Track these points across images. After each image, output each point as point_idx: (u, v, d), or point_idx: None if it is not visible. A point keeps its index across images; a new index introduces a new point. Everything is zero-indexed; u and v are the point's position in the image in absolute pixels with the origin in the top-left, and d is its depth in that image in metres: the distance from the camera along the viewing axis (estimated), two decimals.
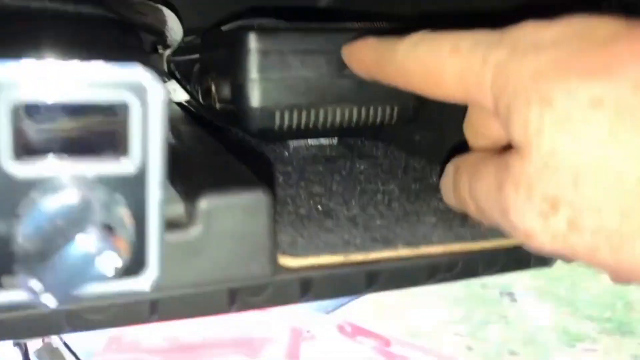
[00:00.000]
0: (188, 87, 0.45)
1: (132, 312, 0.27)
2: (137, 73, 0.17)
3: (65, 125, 0.17)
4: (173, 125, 0.32)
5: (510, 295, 2.58)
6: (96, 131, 0.17)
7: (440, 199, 0.34)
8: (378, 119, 0.39)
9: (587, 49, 0.23)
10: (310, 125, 0.38)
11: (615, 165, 0.22)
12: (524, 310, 2.41)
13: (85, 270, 0.16)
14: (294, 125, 0.38)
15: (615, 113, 0.21)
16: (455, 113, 0.35)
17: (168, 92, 0.17)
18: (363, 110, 0.39)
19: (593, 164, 0.22)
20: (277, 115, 0.37)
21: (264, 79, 0.36)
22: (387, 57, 0.30)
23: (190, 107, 0.45)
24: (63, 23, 0.21)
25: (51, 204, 0.16)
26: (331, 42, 0.37)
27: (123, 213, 0.17)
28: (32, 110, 0.16)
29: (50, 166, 0.17)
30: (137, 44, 0.23)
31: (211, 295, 0.27)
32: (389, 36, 0.31)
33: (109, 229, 0.16)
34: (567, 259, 0.25)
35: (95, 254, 0.16)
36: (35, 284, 0.15)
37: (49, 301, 0.16)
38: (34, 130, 0.16)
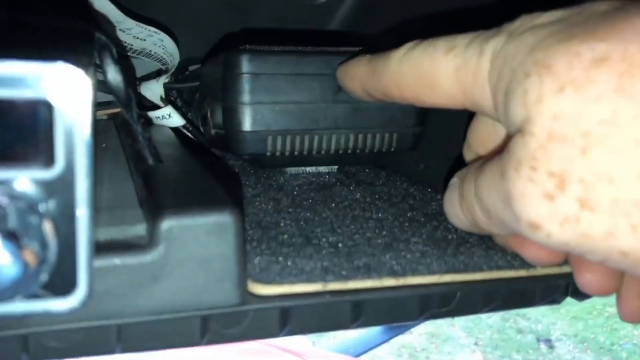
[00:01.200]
0: (189, 115, 0.45)
1: (95, 339, 0.25)
2: (62, 69, 0.16)
3: None
4: (154, 147, 0.30)
5: (548, 341, 2.49)
6: (16, 133, 0.16)
7: (436, 227, 0.32)
8: (376, 146, 0.38)
9: (588, 20, 0.21)
10: (305, 152, 0.37)
11: (628, 124, 0.19)
12: (563, 358, 2.31)
13: None
14: (287, 151, 0.36)
15: (623, 68, 0.19)
16: (460, 140, 0.34)
17: (94, 93, 0.16)
18: (360, 137, 0.37)
19: (602, 126, 0.20)
20: (269, 140, 0.36)
21: (255, 103, 0.35)
22: (380, 67, 0.29)
23: (189, 134, 0.44)
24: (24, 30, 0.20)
25: None
26: (325, 66, 0.35)
27: (44, 225, 0.16)
28: None
29: None
30: (86, 50, 0.22)
31: (180, 324, 0.26)
32: (384, 51, 0.30)
33: (14, 238, 0.14)
34: (580, 252, 0.22)
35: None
36: None
37: None
38: None
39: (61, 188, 0.16)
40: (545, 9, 0.24)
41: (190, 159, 0.32)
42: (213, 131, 0.39)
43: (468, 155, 0.32)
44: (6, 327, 0.22)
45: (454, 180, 0.29)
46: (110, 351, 0.26)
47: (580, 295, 0.33)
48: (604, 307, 2.48)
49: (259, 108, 0.35)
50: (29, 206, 0.16)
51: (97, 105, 0.43)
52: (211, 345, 0.27)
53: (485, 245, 0.30)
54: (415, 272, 0.27)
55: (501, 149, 0.29)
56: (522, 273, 0.28)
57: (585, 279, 0.27)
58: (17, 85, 0.15)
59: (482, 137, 0.30)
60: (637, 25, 0.20)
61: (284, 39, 0.37)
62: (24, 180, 0.16)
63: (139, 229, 0.24)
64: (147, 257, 0.23)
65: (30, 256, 0.15)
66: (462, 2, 0.38)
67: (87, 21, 0.30)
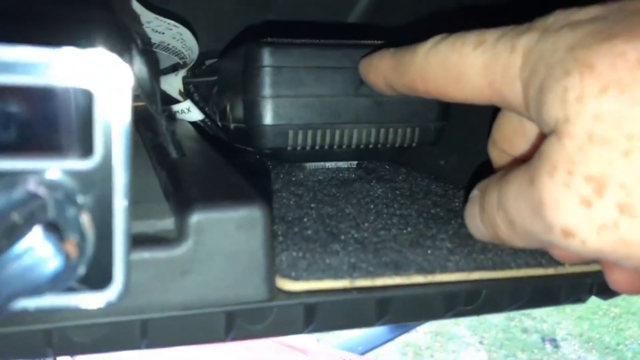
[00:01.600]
0: (207, 109, 0.44)
1: (120, 334, 0.25)
2: (101, 56, 0.15)
3: (20, 113, 0.15)
4: (178, 141, 0.30)
5: (553, 341, 2.48)
6: (54, 122, 0.15)
7: (462, 224, 0.31)
8: (398, 141, 0.37)
9: (629, 19, 0.20)
10: (326, 146, 0.36)
11: None
12: (568, 358, 2.31)
13: (28, 275, 0.14)
14: (308, 146, 0.36)
15: None
16: (481, 135, 0.33)
17: (134, 80, 0.16)
18: (381, 131, 0.37)
19: None
20: (290, 134, 0.35)
21: (276, 96, 0.34)
22: (406, 60, 0.29)
23: (207, 129, 0.43)
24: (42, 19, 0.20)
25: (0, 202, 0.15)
26: (347, 59, 0.35)
27: (82, 216, 0.16)
28: None
29: (3, 160, 0.15)
30: (124, 39, 0.22)
31: (205, 320, 0.25)
32: (409, 45, 0.29)
33: (56, 229, 0.14)
34: (615, 259, 0.21)
35: (39, 256, 0.14)
36: None
37: None
38: None
39: (99, 179, 0.16)
40: (568, 5, 0.23)
41: (213, 152, 0.32)
42: (232, 125, 0.38)
43: (493, 152, 0.31)
44: (32, 321, 0.22)
45: (474, 192, 0.28)
46: (135, 347, 0.25)
47: (606, 294, 0.32)
48: (609, 307, 2.47)
49: (281, 101, 0.34)
50: (67, 197, 0.15)
51: None
52: (235, 342, 0.27)
53: None
54: (443, 270, 0.26)
55: (528, 155, 0.28)
56: (550, 271, 0.28)
57: (616, 278, 0.26)
58: (56, 73, 0.15)
59: (508, 134, 0.30)
60: None
61: (306, 31, 0.36)
62: (62, 170, 0.15)
63: (167, 223, 0.24)
64: (176, 251, 0.22)
65: (71, 248, 0.14)
66: None
67: (109, 13, 0.30)
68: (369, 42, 0.36)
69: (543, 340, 2.41)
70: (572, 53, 0.21)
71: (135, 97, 0.44)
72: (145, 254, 0.22)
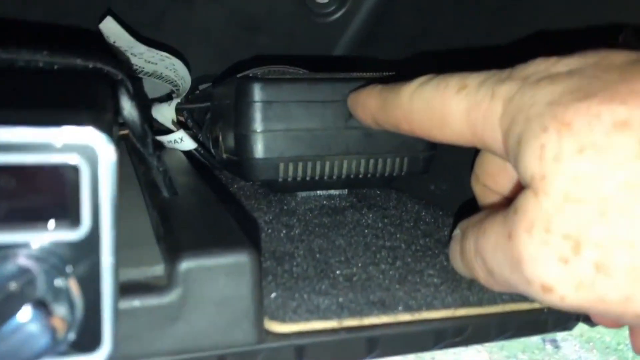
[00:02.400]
0: (200, 135, 0.45)
1: None
2: (87, 134, 0.16)
3: (9, 189, 0.16)
4: (170, 178, 0.31)
5: (553, 341, 2.49)
6: (43, 196, 0.16)
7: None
8: (387, 171, 0.38)
9: (606, 76, 0.21)
10: (316, 177, 0.37)
11: None
12: (569, 358, 2.31)
13: (17, 353, 0.14)
14: (299, 177, 0.36)
15: None
16: (470, 162, 0.34)
17: (118, 154, 0.16)
18: (371, 162, 0.37)
19: (622, 191, 0.19)
20: (281, 166, 0.36)
21: (267, 131, 0.35)
22: (391, 100, 0.29)
23: (200, 156, 0.44)
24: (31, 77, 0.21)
25: None
26: (337, 92, 0.36)
27: (71, 286, 0.16)
28: None
29: None
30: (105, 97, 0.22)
31: None
32: (395, 83, 0.30)
33: (44, 307, 0.15)
34: (594, 314, 0.21)
35: (28, 334, 0.14)
36: None
37: None
38: None
39: (87, 248, 0.16)
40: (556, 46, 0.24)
41: (205, 188, 0.32)
42: (225, 155, 0.39)
43: (476, 187, 0.32)
44: None
45: (456, 232, 0.28)
46: None
47: (592, 321, 0.33)
48: None
49: (271, 135, 0.35)
50: (55, 268, 0.16)
51: None
52: None
53: None
54: (430, 307, 0.27)
55: (510, 196, 0.28)
56: (536, 305, 0.29)
57: (599, 320, 0.27)
58: (43, 151, 0.16)
59: (490, 171, 0.30)
60: None
61: (296, 63, 0.37)
62: (51, 242, 0.16)
63: (157, 270, 0.24)
64: (166, 299, 0.23)
65: (59, 323, 0.15)
66: (474, 36, 0.38)
67: (99, 50, 0.30)
68: (357, 75, 0.36)
69: (544, 341, 2.41)
70: (551, 109, 0.21)
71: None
72: (136, 302, 0.23)
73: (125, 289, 0.23)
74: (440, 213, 0.38)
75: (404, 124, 0.29)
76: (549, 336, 2.47)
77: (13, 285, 0.15)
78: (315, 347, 0.27)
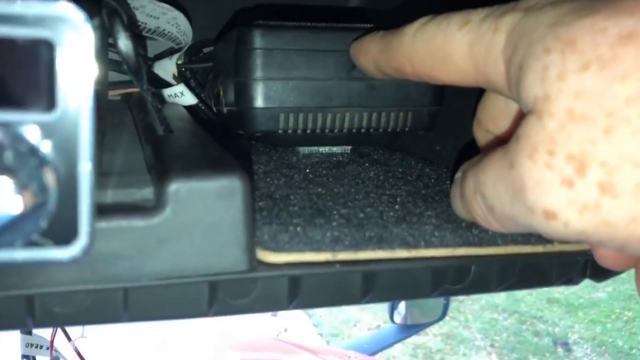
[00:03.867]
0: (203, 95, 0.44)
1: (101, 304, 0.25)
2: (63, 8, 0.15)
3: None
4: (165, 118, 0.30)
5: (565, 345, 2.46)
6: (15, 73, 0.15)
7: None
8: (390, 126, 0.37)
9: None
10: (317, 130, 0.36)
11: None
12: None
13: None
14: (300, 129, 0.36)
15: None
16: None
17: (97, 35, 0.16)
18: (374, 115, 0.36)
19: (628, 105, 0.19)
20: (282, 117, 0.35)
21: (267, 79, 0.34)
22: (393, 42, 0.28)
23: (202, 114, 0.43)
24: None
25: None
26: (340, 42, 0.35)
27: (45, 171, 0.15)
28: None
29: None
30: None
31: (187, 292, 0.25)
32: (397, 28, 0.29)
33: (11, 173, 0.14)
34: (598, 241, 0.21)
35: None
36: None
37: None
38: None
39: (62, 133, 0.16)
40: None
41: (200, 130, 0.32)
42: (225, 109, 0.38)
43: (478, 132, 0.31)
44: (10, 287, 0.22)
45: (458, 174, 0.27)
46: (117, 319, 0.25)
47: (599, 276, 0.32)
48: (622, 310, 2.44)
49: (272, 84, 0.34)
50: (28, 149, 0.15)
51: (111, 85, 0.43)
52: (218, 317, 0.27)
53: None
54: (428, 244, 0.26)
55: (510, 134, 0.28)
56: (539, 249, 0.28)
57: (602, 254, 0.26)
58: (18, 23, 0.15)
59: (492, 114, 0.29)
60: None
61: (299, 15, 0.36)
62: (25, 122, 0.15)
63: (146, 192, 0.24)
64: (154, 220, 0.22)
65: (28, 195, 0.14)
66: None
67: None
68: (361, 25, 0.35)
69: (555, 343, 2.38)
70: (553, 30, 0.20)
71: (131, 83, 0.44)
72: (123, 222, 0.22)
73: (112, 210, 0.23)
74: (445, 170, 0.37)
75: (407, 67, 0.28)
76: (561, 339, 2.44)
77: None
78: (309, 279, 0.26)
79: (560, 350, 2.40)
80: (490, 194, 0.24)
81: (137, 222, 0.22)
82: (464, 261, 0.27)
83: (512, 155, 0.22)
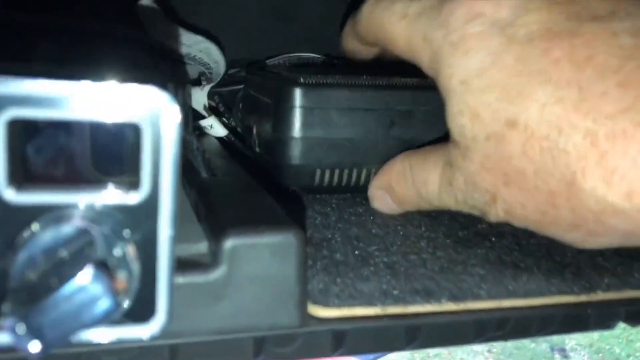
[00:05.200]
0: (230, 118, 0.44)
1: (148, 358, 0.24)
2: (151, 93, 0.15)
3: (69, 147, 0.15)
4: (207, 159, 0.30)
5: (562, 351, 2.46)
6: (103, 156, 0.15)
7: (490, 248, 0.31)
8: None
9: None
10: (352, 184, 0.36)
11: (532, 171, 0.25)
12: None
13: (78, 315, 0.14)
14: (335, 184, 0.35)
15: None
16: None
17: (181, 117, 0.16)
18: None
19: (516, 170, 0.25)
20: (318, 173, 0.35)
21: (306, 137, 0.34)
22: (356, 23, 0.33)
23: (232, 144, 0.43)
24: (83, 40, 0.20)
25: (49, 237, 0.15)
26: (379, 100, 0.35)
27: (128, 251, 0.15)
28: (32, 130, 0.15)
29: (51, 194, 0.15)
30: (166, 68, 0.22)
31: (235, 345, 0.25)
32: None
33: (106, 268, 0.14)
34: None
35: (90, 296, 0.14)
36: (20, 327, 0.14)
37: (34, 347, 0.14)
38: (34, 153, 0.15)
39: (145, 212, 0.16)
40: None
41: (242, 172, 0.31)
42: (258, 150, 0.38)
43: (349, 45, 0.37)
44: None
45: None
46: None
47: (635, 321, 0.32)
48: None
49: (310, 142, 0.34)
50: (114, 232, 0.15)
51: None
52: None
53: (544, 269, 0.29)
54: (475, 297, 0.26)
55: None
56: (582, 298, 0.28)
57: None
58: (105, 108, 0.15)
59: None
60: None
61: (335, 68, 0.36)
62: (110, 204, 0.15)
63: (201, 247, 0.24)
64: (211, 277, 0.22)
65: (121, 287, 0.14)
66: None
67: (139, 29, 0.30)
68: (401, 81, 0.35)
69: (552, 349, 2.39)
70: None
71: None
72: (180, 279, 0.22)
73: None
74: None
75: (371, 40, 0.33)
76: (558, 345, 2.45)
77: (72, 246, 0.14)
78: (355, 334, 0.26)
79: (557, 356, 2.40)
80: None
81: (194, 279, 0.22)
82: (508, 312, 0.27)
83: (450, 176, 0.29)
